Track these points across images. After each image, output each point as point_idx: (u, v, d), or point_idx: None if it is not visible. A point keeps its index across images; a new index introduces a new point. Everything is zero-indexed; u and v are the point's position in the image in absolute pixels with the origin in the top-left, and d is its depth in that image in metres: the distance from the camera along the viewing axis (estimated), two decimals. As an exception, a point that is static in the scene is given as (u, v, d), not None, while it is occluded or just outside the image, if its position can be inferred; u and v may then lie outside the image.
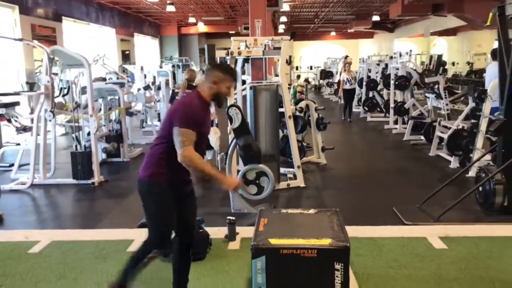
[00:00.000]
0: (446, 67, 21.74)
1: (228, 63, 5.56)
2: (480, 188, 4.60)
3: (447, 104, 7.79)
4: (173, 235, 2.90)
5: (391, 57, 12.73)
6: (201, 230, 3.82)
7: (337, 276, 2.63)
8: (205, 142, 2.94)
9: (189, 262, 2.97)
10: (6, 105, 6.58)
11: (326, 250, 2.64)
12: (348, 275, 2.66)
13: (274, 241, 2.72)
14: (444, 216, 4.35)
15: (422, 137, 8.27)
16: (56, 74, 6.89)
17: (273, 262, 2.66)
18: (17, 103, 6.82)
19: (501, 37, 4.32)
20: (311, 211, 3.27)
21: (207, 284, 3.19)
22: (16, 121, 7.62)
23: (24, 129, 7.64)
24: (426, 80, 8.61)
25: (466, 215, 4.55)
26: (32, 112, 9.48)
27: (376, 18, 21.85)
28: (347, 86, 11.99)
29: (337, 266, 2.63)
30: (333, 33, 31.36)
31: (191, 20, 22.19)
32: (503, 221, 4.33)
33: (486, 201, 4.54)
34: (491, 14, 4.37)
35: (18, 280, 3.33)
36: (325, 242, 2.68)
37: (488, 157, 5.69)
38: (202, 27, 25.41)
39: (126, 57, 20.33)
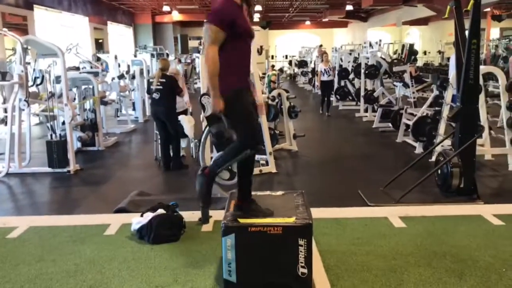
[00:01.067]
0: (418, 56, 22.25)
1: (201, 53, 5.71)
2: (439, 171, 4.90)
3: (413, 92, 8.11)
4: None
5: (363, 47, 13.04)
6: (175, 214, 4.01)
7: (301, 251, 2.86)
8: (248, 49, 3.05)
9: (253, 168, 3.28)
10: (-21, 95, 6.57)
11: (290, 227, 2.87)
12: (311, 250, 2.90)
13: (242, 220, 2.93)
14: (405, 197, 4.64)
15: (390, 124, 8.59)
16: (28, 63, 6.91)
17: (242, 239, 2.88)
18: (-10, 93, 6.82)
19: (457, 28, 4.60)
20: (279, 193, 3.50)
21: (182, 262, 3.38)
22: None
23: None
24: (394, 69, 8.92)
25: (425, 196, 4.85)
26: (4, 102, 9.44)
27: (349, 7, 22.18)
28: (325, 78, 11.43)
29: (301, 242, 2.86)
30: (308, 22, 31.62)
31: (166, 8, 22.10)
32: (459, 201, 4.64)
33: (444, 183, 4.84)
34: (448, 7, 4.63)
35: (-2, 263, 3.45)
36: (290, 220, 2.90)
37: (449, 142, 6.01)
38: (176, 16, 25.32)
39: (100, 45, 20.15)
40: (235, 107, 3.02)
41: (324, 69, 11.44)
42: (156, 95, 6.10)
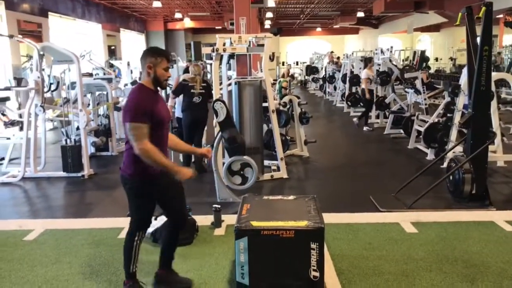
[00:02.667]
0: (429, 62, 22.18)
1: (213, 59, 5.78)
2: (451, 177, 4.90)
3: (425, 99, 8.11)
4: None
5: (374, 53, 13.04)
6: (189, 218, 4.06)
7: (313, 255, 2.89)
8: (166, 131, 3.01)
9: (176, 242, 3.18)
10: (-3, 100, 6.73)
11: (302, 231, 2.90)
12: (323, 254, 2.92)
13: (255, 223, 2.97)
14: (417, 203, 4.64)
15: (402, 131, 8.58)
16: (43, 69, 7.04)
17: (255, 242, 2.91)
18: (7, 98, 6.96)
19: (469, 35, 4.62)
20: (291, 197, 3.53)
21: (195, 265, 3.43)
22: (4, 115, 7.74)
23: (12, 123, 7.77)
24: (406, 75, 8.92)
25: (437, 202, 4.85)
26: (20, 107, 9.60)
27: (360, 14, 22.20)
28: (373, 86, 10.04)
29: (313, 246, 2.89)
30: (319, 29, 31.66)
31: (178, 15, 22.30)
32: (471, 207, 4.65)
33: (455, 189, 4.84)
34: (460, 14, 4.65)
35: (16, 265, 3.53)
36: (302, 224, 2.94)
37: (461, 148, 6.01)
38: (188, 23, 25.52)
39: (112, 52, 20.38)
40: (136, 195, 2.98)
41: (373, 76, 10.07)
42: (197, 99, 6.15)
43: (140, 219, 3.03)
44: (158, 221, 3.91)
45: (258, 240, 2.90)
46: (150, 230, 3.89)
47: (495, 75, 6.28)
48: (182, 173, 2.85)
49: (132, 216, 3.05)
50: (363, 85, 10.15)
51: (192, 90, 6.18)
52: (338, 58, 12.13)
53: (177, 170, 2.84)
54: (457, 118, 6.18)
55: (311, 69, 21.01)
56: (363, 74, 10.15)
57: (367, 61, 10.38)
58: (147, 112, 2.75)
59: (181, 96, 6.41)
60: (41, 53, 6.25)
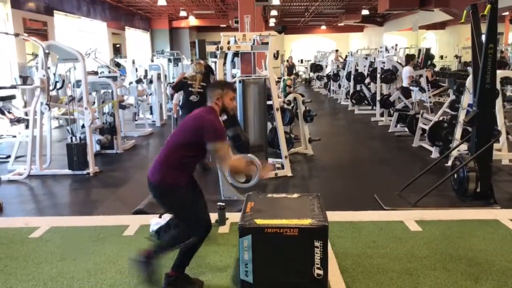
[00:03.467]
0: (434, 60, 22.08)
1: (218, 57, 5.79)
2: (455, 176, 4.89)
3: (430, 97, 8.09)
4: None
5: (379, 51, 13.02)
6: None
7: (316, 253, 2.90)
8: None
9: (197, 249, 3.14)
10: (3, 99, 6.76)
11: (306, 229, 2.91)
12: (327, 252, 2.93)
13: (259, 221, 2.98)
14: (421, 201, 4.64)
15: (407, 129, 8.56)
16: (48, 68, 7.08)
17: (259, 240, 2.92)
18: (13, 97, 7.00)
19: (474, 32, 4.60)
20: (295, 195, 3.53)
21: (199, 263, 3.44)
22: (10, 112, 7.79)
23: (18, 120, 7.81)
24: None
25: (441, 200, 4.84)
26: (25, 105, 9.65)
27: (365, 12, 22.12)
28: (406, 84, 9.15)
29: (317, 244, 2.90)
30: (323, 27, 31.61)
31: (182, 13, 22.32)
32: (475, 206, 4.64)
33: (460, 188, 4.83)
34: (465, 11, 4.64)
35: (22, 262, 3.56)
36: (306, 222, 2.94)
37: (466, 147, 5.99)
38: (193, 21, 25.55)
39: (117, 50, 20.44)
40: (172, 200, 3.03)
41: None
42: (195, 98, 6.14)
43: (196, 221, 3.04)
44: (162, 219, 3.94)
45: (262, 238, 2.91)
46: (154, 228, 3.92)
47: (500, 73, 6.26)
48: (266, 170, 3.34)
49: (186, 222, 3.06)
50: (404, 84, 9.19)
51: (190, 89, 6.17)
52: (346, 57, 12.02)
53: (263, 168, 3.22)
54: (461, 116, 6.16)
55: (315, 67, 21.01)
56: (406, 72, 9.20)
57: (410, 58, 10.05)
58: (224, 132, 3.04)
59: None
60: (47, 51, 6.28)
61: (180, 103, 6.33)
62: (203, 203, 3.16)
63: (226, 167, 2.97)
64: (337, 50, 20.29)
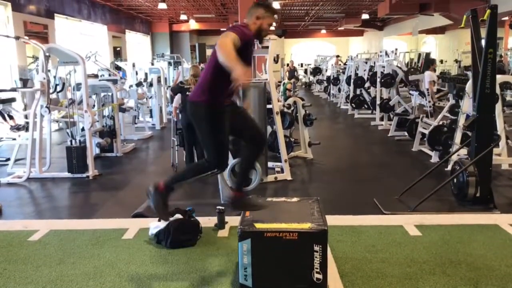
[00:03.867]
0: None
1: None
2: (455, 180, 4.89)
3: (429, 101, 8.10)
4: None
5: (379, 56, 13.05)
6: (192, 219, 4.08)
7: (316, 257, 2.90)
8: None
9: (254, 163, 3.38)
10: (3, 101, 6.77)
11: (306, 233, 2.91)
12: (327, 256, 2.93)
13: (259, 225, 2.98)
14: (421, 206, 4.63)
15: (406, 133, 8.57)
16: (49, 70, 7.09)
17: (258, 244, 2.92)
18: (13, 99, 7.01)
19: (473, 37, 4.61)
20: (294, 199, 3.54)
21: (198, 266, 3.43)
22: (10, 116, 7.80)
23: (18, 128, 7.82)
24: (410, 78, 8.90)
25: (441, 205, 4.84)
26: (25, 108, 9.67)
27: (365, 16, 22.18)
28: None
29: (316, 248, 2.90)
30: (323, 31, 31.66)
31: (183, 17, 22.37)
32: (475, 210, 4.63)
33: (460, 192, 4.83)
34: (464, 16, 4.65)
35: (20, 265, 3.54)
36: (305, 226, 2.94)
37: (466, 151, 5.99)
38: (193, 24, 25.58)
39: (118, 53, 20.47)
40: (207, 121, 3.10)
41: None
42: None
43: (216, 156, 3.13)
44: (162, 222, 3.93)
45: (262, 242, 2.91)
46: (153, 231, 3.91)
47: (499, 78, 6.26)
48: (238, 70, 2.76)
49: (206, 149, 3.18)
50: (424, 88, 8.82)
51: (187, 92, 6.23)
52: (346, 62, 12.10)
53: (237, 67, 2.74)
54: (461, 120, 6.17)
55: (314, 70, 21.06)
56: (428, 76, 8.95)
57: (429, 63, 9.89)
58: (245, 41, 2.96)
59: None
60: (47, 54, 6.29)
61: (179, 108, 6.38)
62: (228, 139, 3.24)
63: (219, 41, 2.83)
64: (338, 56, 20.34)
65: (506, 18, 17.16)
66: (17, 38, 7.33)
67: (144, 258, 3.58)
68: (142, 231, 4.12)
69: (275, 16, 3.23)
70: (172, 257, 3.59)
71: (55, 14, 14.41)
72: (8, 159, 7.00)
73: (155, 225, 3.96)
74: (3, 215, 4.91)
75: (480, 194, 4.68)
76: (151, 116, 11.50)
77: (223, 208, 4.25)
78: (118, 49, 20.96)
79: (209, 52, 6.65)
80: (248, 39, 3.03)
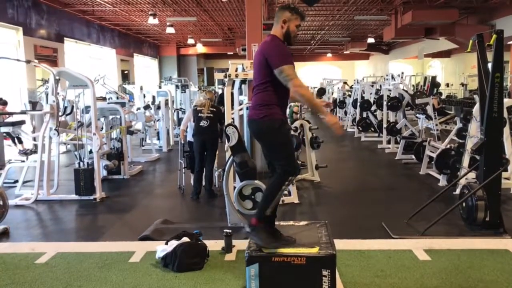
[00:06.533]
0: (440, 88, 22.16)
1: (225, 84, 5.85)
2: (464, 204, 4.85)
3: (436, 125, 8.10)
4: None
5: (385, 79, 13.10)
6: (199, 242, 4.06)
7: (324, 282, 2.88)
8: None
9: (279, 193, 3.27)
10: (13, 124, 6.84)
11: (314, 258, 2.89)
12: (335, 281, 2.91)
13: (266, 250, 2.96)
14: (430, 230, 4.59)
15: (414, 156, 8.53)
16: (58, 93, 7.18)
17: (266, 269, 2.91)
18: (23, 122, 7.08)
19: (480, 61, 4.64)
20: (302, 223, 3.52)
21: (205, 291, 3.41)
22: (20, 142, 7.88)
23: (26, 153, 7.89)
24: (417, 101, 8.92)
25: (450, 229, 4.79)
26: (34, 130, 9.75)
27: (371, 40, 22.37)
28: None
29: (325, 273, 2.87)
30: (329, 55, 31.92)
31: (190, 41, 22.68)
32: (485, 235, 4.58)
33: (469, 216, 4.78)
34: (471, 41, 4.69)
35: (27, 288, 3.54)
36: (314, 250, 2.93)
37: (474, 175, 5.95)
38: (200, 48, 25.92)
39: (126, 76, 20.71)
40: (277, 136, 3.16)
41: None
42: (204, 123, 6.26)
43: (289, 162, 3.15)
44: (169, 246, 3.91)
45: (269, 266, 2.90)
46: (160, 254, 3.89)
47: (507, 102, 6.27)
48: (330, 117, 3.09)
49: (280, 162, 3.18)
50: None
51: (200, 114, 6.29)
52: (351, 87, 12.20)
53: (325, 112, 3.10)
54: (469, 144, 6.15)
55: (318, 91, 21.15)
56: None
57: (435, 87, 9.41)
58: (290, 56, 3.05)
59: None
60: (57, 77, 6.38)
61: (193, 131, 6.44)
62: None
63: (294, 85, 2.98)
64: (345, 82, 20.44)
65: (511, 42, 17.23)
66: (28, 62, 7.44)
67: (150, 282, 3.56)
68: (149, 254, 4.11)
69: (302, 17, 3.24)
70: (179, 281, 3.56)
71: (65, 38, 14.67)
72: (16, 181, 7.03)
73: (162, 248, 3.94)
74: (10, 237, 4.91)
75: (489, 218, 4.63)
76: (158, 139, 11.57)
77: (230, 231, 4.24)
78: (126, 72, 21.22)
79: (217, 75, 6.75)
80: (290, 54, 3.13)
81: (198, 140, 6.35)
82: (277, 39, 3.14)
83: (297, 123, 7.50)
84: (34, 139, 7.74)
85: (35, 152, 7.10)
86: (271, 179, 3.23)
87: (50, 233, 5.15)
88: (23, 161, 6.98)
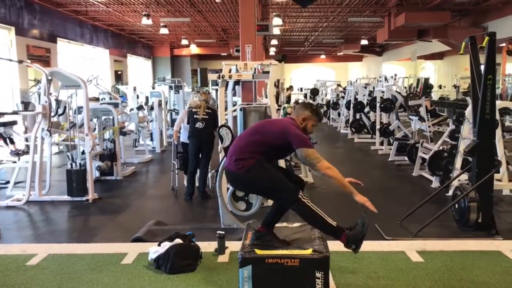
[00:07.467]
0: (433, 90, 22.29)
1: (219, 85, 5.84)
2: (456, 206, 4.87)
3: (429, 126, 8.13)
4: None
5: (379, 81, 13.16)
6: (192, 244, 4.04)
7: (317, 284, 2.87)
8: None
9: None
10: (4, 124, 6.78)
11: (307, 259, 2.88)
12: (328, 283, 2.90)
13: (259, 251, 2.95)
14: (423, 231, 4.60)
15: (406, 158, 8.57)
16: (50, 94, 7.12)
17: (259, 271, 2.89)
18: (14, 122, 7.03)
19: (472, 64, 4.66)
20: (295, 224, 3.52)
21: (198, 293, 3.39)
22: (12, 142, 7.80)
23: (17, 153, 7.81)
24: (410, 103, 8.96)
25: (443, 231, 4.81)
26: (26, 131, 9.67)
27: (364, 42, 22.43)
28: None
29: (318, 274, 2.87)
30: (323, 56, 31.98)
31: (184, 42, 22.61)
32: (477, 236, 4.60)
33: (461, 218, 4.80)
34: (463, 43, 4.71)
35: (17, 290, 3.50)
36: (307, 252, 2.92)
37: (466, 176, 5.98)
38: (194, 49, 25.85)
39: (119, 77, 20.62)
40: (261, 176, 3.20)
41: None
42: (200, 125, 6.23)
43: (286, 187, 3.20)
44: (161, 247, 3.89)
45: (263, 268, 2.88)
46: (153, 256, 3.87)
47: (499, 104, 6.30)
48: (360, 197, 3.37)
49: (278, 199, 3.30)
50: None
51: (195, 116, 6.27)
52: (345, 88, 12.30)
53: (355, 192, 3.34)
54: (461, 146, 6.18)
55: (312, 91, 21.17)
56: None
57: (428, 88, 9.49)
58: (311, 142, 3.30)
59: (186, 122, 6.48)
60: (49, 78, 6.34)
61: (188, 133, 6.41)
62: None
63: (324, 168, 3.18)
64: (338, 85, 20.46)
65: (504, 44, 17.36)
66: (20, 62, 7.40)
67: (143, 284, 3.54)
68: (141, 256, 4.08)
69: (320, 118, 3.50)
70: (172, 283, 3.54)
71: (58, 38, 14.57)
72: (7, 182, 6.98)
73: (154, 249, 3.92)
74: (1, 239, 4.87)
75: (482, 219, 4.65)
76: (151, 140, 11.53)
77: (223, 233, 4.22)
78: (120, 72, 21.12)
79: (210, 76, 6.78)
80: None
81: (194, 142, 6.33)
82: (298, 126, 3.34)
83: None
84: (26, 139, 7.68)
85: (27, 152, 7.04)
86: (297, 213, 3.21)
87: (42, 234, 5.11)
88: (15, 162, 6.92)
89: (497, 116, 5.76)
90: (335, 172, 3.22)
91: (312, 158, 3.16)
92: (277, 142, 3.23)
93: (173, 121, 12.13)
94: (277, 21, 13.64)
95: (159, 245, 3.99)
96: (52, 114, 6.55)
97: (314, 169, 3.20)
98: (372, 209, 3.26)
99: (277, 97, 19.50)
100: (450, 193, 5.96)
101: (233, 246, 4.15)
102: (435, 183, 6.92)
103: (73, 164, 6.50)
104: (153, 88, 14.09)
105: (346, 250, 4.17)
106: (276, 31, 15.22)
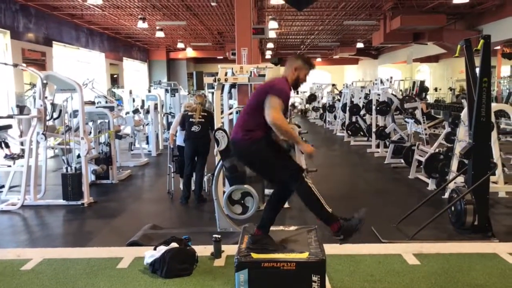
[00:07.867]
0: (429, 92, 22.36)
1: (215, 89, 5.83)
2: (452, 208, 4.87)
3: (425, 129, 8.14)
4: None
5: (374, 83, 13.17)
6: (188, 248, 4.02)
7: (314, 287, 2.85)
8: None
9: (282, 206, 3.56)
10: (-1, 128, 6.75)
11: (304, 263, 2.87)
12: (325, 286, 2.89)
13: (256, 255, 2.94)
14: (419, 234, 4.60)
15: (402, 160, 8.57)
16: (46, 97, 7.09)
17: (255, 275, 2.89)
18: (9, 126, 6.99)
19: (468, 66, 4.67)
20: (292, 228, 3.51)
21: (194, 297, 3.37)
22: (7, 146, 7.74)
23: (12, 157, 7.75)
24: (406, 105, 8.97)
25: (439, 233, 4.81)
26: (21, 135, 9.62)
27: (360, 45, 22.49)
28: None
29: (314, 278, 2.86)
30: (319, 59, 32.03)
31: (180, 45, 22.61)
32: (473, 239, 4.60)
33: (458, 220, 4.80)
34: (459, 46, 4.72)
35: (12, 295, 3.47)
36: (303, 256, 2.91)
37: (462, 179, 5.99)
38: (190, 52, 25.85)
39: (115, 80, 20.58)
40: (267, 150, 3.28)
41: None
42: (196, 128, 6.22)
43: (290, 164, 3.29)
44: (157, 251, 3.87)
45: (259, 272, 2.88)
46: (148, 260, 3.85)
47: (494, 106, 6.32)
48: (305, 147, 3.35)
49: (281, 176, 3.32)
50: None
51: (191, 119, 6.25)
52: (340, 91, 12.34)
53: (302, 144, 3.35)
54: (457, 148, 6.18)
55: (309, 97, 21.23)
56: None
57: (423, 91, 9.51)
58: (287, 99, 3.32)
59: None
60: (45, 81, 6.31)
61: (184, 136, 6.38)
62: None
63: (271, 116, 3.12)
64: (333, 85, 20.52)
65: (498, 47, 17.44)
66: (15, 65, 7.36)
67: (139, 288, 3.52)
68: (137, 260, 4.06)
69: (312, 68, 3.51)
70: (168, 287, 3.52)
71: (53, 42, 14.53)
72: (2, 186, 6.93)
73: (150, 253, 3.90)
74: (-5, 244, 4.84)
75: (478, 222, 4.65)
76: (147, 143, 11.50)
77: (219, 236, 4.21)
78: (115, 76, 21.09)
79: (206, 79, 6.80)
80: (288, 97, 3.37)
81: (190, 145, 6.30)
82: (287, 82, 3.40)
83: (286, 128, 7.48)
84: (21, 143, 7.63)
85: (22, 156, 7.00)
86: (297, 192, 3.28)
87: (37, 239, 5.07)
88: (10, 166, 6.87)
89: (493, 119, 5.78)
90: (284, 124, 3.19)
91: (272, 104, 3.16)
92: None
93: (169, 124, 12.11)
94: (273, 24, 13.67)
95: (155, 249, 3.97)
96: (48, 117, 6.53)
97: (266, 114, 3.17)
98: (311, 157, 3.39)
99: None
100: (446, 195, 5.97)
101: (229, 250, 4.14)
102: (431, 185, 6.93)
103: (69, 168, 6.47)
104: (149, 91, 14.06)
105: (343, 253, 4.20)
106: (272, 34, 15.26)
